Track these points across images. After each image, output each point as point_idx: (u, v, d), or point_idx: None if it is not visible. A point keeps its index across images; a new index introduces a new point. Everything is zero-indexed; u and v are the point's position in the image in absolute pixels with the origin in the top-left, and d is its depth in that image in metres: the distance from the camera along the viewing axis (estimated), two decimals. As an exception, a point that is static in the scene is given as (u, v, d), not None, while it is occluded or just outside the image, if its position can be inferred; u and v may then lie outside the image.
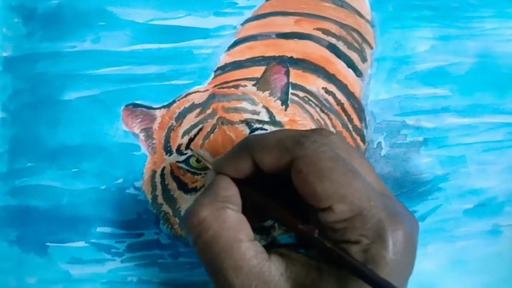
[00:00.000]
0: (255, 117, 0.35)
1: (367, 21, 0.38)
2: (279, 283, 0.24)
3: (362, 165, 0.26)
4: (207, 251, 0.25)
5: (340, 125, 0.36)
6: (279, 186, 0.28)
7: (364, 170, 0.26)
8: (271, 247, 0.26)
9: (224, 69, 0.36)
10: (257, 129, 0.35)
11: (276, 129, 0.35)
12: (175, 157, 0.34)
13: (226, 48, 0.36)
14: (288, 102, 0.35)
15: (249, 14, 0.37)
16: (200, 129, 0.34)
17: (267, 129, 0.35)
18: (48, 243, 0.33)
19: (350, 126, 0.36)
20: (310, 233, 0.24)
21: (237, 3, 0.37)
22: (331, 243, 0.24)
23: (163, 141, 0.34)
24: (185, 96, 0.35)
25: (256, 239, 0.26)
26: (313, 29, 0.37)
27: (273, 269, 0.24)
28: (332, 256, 0.24)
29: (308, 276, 0.24)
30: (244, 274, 0.24)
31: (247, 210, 0.26)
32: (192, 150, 0.34)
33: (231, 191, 0.26)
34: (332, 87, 0.36)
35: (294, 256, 0.25)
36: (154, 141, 0.34)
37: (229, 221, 0.25)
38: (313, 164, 0.24)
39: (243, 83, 0.35)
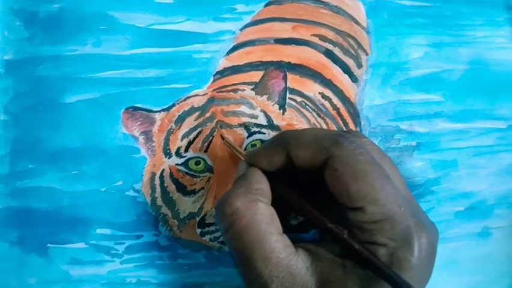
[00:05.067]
0: (253, 121, 0.35)
1: (363, 28, 0.38)
2: (305, 277, 0.25)
3: (392, 171, 0.26)
4: (238, 240, 0.25)
5: (336, 129, 0.37)
6: (298, 181, 0.28)
7: (394, 176, 0.26)
8: (297, 242, 0.27)
9: (223, 73, 0.36)
10: (255, 132, 0.35)
11: (274, 133, 0.35)
12: (174, 160, 0.34)
13: (225, 53, 0.36)
14: (286, 106, 0.36)
15: (247, 19, 0.37)
16: (199, 132, 0.35)
17: (265, 133, 0.35)
18: (48, 244, 0.33)
19: (345, 130, 0.37)
20: (340, 233, 0.25)
21: (236, 9, 0.37)
22: (359, 245, 0.24)
23: (162, 144, 0.35)
24: (185, 99, 0.35)
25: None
26: (311, 35, 0.37)
27: (300, 262, 0.25)
28: (358, 256, 0.24)
29: (333, 272, 0.25)
30: (272, 265, 0.24)
31: (276, 205, 0.27)
32: (223, 139, 0.34)
33: (263, 184, 0.27)
34: (328, 92, 0.37)
35: (319, 252, 0.26)
36: (154, 144, 0.35)
37: (260, 213, 0.25)
38: (349, 164, 0.25)
39: (241, 87, 0.36)
